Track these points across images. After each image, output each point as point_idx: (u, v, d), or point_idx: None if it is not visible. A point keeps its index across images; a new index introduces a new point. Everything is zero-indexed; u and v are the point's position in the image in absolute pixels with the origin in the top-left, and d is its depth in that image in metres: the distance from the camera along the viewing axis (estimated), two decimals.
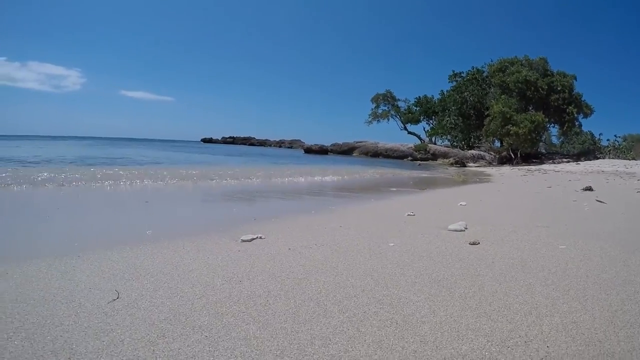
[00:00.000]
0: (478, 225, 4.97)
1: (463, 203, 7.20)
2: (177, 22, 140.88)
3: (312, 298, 2.53)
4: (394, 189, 10.82)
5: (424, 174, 19.44)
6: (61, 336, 1.95)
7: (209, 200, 7.97)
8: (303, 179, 12.96)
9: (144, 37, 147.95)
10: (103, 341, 1.93)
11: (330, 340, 1.96)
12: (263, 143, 70.22)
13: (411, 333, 2.05)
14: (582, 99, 35.91)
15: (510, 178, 17.08)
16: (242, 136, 76.45)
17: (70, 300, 2.40)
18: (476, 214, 6.00)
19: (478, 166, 31.49)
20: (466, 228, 4.72)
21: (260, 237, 4.11)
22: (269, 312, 2.32)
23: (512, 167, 27.21)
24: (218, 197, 8.41)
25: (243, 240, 4.02)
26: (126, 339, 1.94)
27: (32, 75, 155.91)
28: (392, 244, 3.94)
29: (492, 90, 37.55)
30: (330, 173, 15.33)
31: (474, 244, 3.98)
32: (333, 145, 48.08)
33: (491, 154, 37.65)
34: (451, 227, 4.73)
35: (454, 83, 42.69)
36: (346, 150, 45.57)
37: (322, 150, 46.85)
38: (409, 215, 5.72)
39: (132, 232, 4.50)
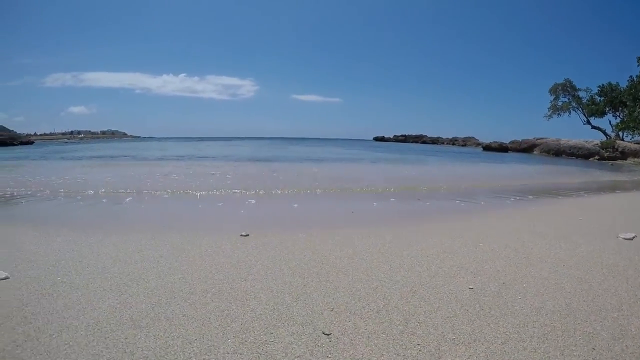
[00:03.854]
0: None
1: None
2: (339, 26, 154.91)
3: None
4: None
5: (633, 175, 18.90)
6: None
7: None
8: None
9: (308, 43, 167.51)
10: None
11: None
12: (435, 141, 72.60)
13: None
14: None
15: None
16: (413, 134, 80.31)
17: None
18: None
19: None
20: None
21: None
22: None
23: None
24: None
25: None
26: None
27: (210, 86, 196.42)
28: None
29: None
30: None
31: None
32: (512, 142, 47.56)
33: None
34: None
35: None
36: (526, 148, 44.31)
37: (501, 148, 46.89)
38: None
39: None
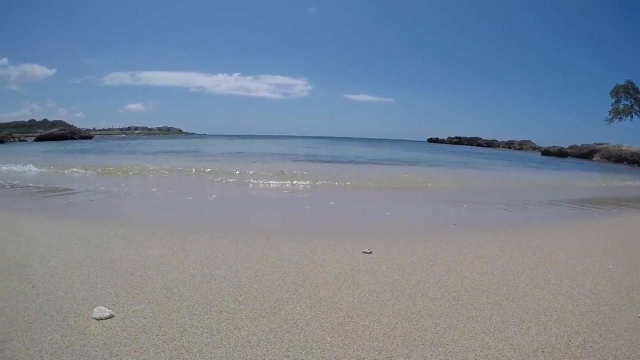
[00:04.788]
0: None
1: None
2: (392, 26, 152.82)
3: None
4: None
5: None
6: None
7: None
8: None
9: (361, 43, 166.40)
10: None
11: None
12: (491, 144, 69.88)
13: None
14: None
15: None
16: (468, 136, 77.64)
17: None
18: None
19: None
20: None
21: None
22: None
23: None
24: None
25: None
26: None
27: (263, 86, 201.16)
28: None
29: None
30: None
31: None
32: (571, 147, 45.86)
33: None
34: None
35: None
36: (585, 154, 42.64)
37: (560, 153, 45.28)
38: None
39: None
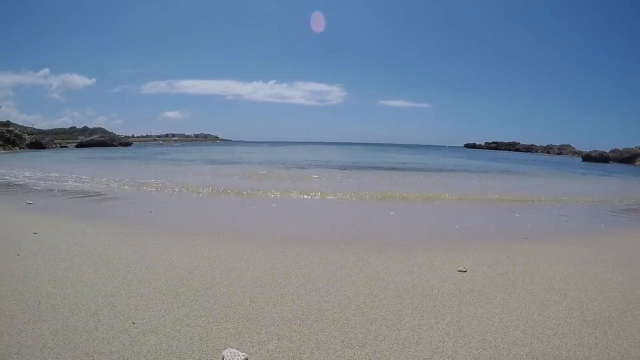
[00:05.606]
0: None
1: None
2: (427, 31, 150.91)
3: None
4: None
5: None
6: None
7: None
8: None
9: (395, 49, 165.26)
10: None
11: None
12: (529, 149, 68.57)
13: None
14: None
15: None
16: (506, 141, 76.18)
17: None
18: None
19: None
20: None
21: None
22: None
23: None
24: None
25: None
26: None
27: (298, 93, 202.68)
28: None
29: None
30: None
31: None
32: (612, 151, 44.81)
33: None
34: None
35: None
36: (627, 158, 41.57)
37: (602, 158, 44.09)
38: None
39: None
